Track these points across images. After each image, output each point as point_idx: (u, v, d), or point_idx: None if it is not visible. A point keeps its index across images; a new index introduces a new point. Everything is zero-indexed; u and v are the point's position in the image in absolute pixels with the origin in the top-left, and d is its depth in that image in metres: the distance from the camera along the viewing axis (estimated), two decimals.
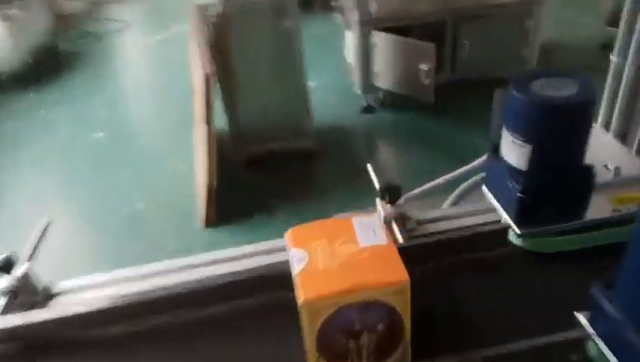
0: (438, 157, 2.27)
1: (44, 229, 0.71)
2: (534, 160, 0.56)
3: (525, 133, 0.55)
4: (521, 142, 0.56)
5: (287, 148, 2.28)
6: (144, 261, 1.87)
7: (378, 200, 0.68)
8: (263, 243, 0.71)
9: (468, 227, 0.67)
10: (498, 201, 0.64)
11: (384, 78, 2.54)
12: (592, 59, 2.92)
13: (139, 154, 2.52)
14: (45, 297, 0.65)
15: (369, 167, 0.75)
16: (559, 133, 0.55)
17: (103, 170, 2.42)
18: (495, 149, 0.63)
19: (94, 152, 2.57)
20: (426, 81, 2.34)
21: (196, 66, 2.04)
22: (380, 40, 2.42)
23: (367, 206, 1.93)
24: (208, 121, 1.94)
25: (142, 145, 2.61)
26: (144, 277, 0.68)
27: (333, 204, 2.06)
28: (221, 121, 2.22)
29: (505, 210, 0.62)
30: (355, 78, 2.61)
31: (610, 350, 0.46)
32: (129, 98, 3.21)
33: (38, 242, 0.69)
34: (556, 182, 0.57)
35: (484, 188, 0.68)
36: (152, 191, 2.23)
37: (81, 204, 2.24)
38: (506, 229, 0.62)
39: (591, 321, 0.49)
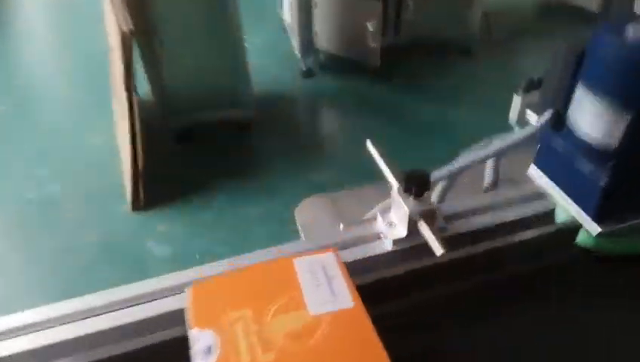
0: (388, 125, 2.12)
1: None
2: (631, 134, 0.41)
3: (624, 96, 0.40)
4: (613, 110, 0.41)
5: (223, 118, 2.03)
6: (60, 256, 1.60)
7: (397, 194, 0.50)
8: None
9: (513, 223, 0.51)
10: (563, 188, 0.48)
11: (326, 39, 2.34)
12: (530, 24, 2.92)
13: (47, 127, 2.15)
14: None
15: (370, 146, 0.57)
16: None
17: (4, 146, 2.04)
18: (557, 119, 0.47)
19: None
20: (373, 44, 2.18)
21: (111, 22, 1.72)
22: None
23: (319, 183, 1.72)
24: (129, 87, 1.64)
25: (50, 117, 2.24)
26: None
27: (280, 181, 1.87)
28: (145, 87, 1.93)
29: (575, 200, 0.47)
30: (294, 39, 2.39)
31: None
32: (33, 61, 2.76)
33: None
34: None
35: (532, 168, 0.53)
36: (66, 170, 1.91)
37: None
38: (570, 227, 0.48)
39: None
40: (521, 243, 0.48)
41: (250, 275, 0.36)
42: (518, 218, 0.52)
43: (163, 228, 1.69)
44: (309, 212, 0.88)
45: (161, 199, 1.77)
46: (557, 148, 0.48)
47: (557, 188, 0.49)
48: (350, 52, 2.32)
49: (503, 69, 2.52)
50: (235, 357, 0.30)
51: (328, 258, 0.37)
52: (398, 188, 0.50)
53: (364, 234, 0.53)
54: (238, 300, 0.34)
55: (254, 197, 1.78)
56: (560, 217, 0.51)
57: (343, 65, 2.40)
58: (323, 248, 0.41)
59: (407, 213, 0.49)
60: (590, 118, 0.43)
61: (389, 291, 0.47)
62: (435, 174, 0.57)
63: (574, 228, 0.48)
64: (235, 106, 2.01)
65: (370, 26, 2.12)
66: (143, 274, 1.59)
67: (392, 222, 0.52)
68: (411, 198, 0.50)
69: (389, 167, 0.55)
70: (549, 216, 0.51)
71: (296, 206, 1.77)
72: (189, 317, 0.34)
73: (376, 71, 2.30)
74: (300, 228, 0.88)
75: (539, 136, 0.50)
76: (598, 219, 0.45)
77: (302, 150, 2.02)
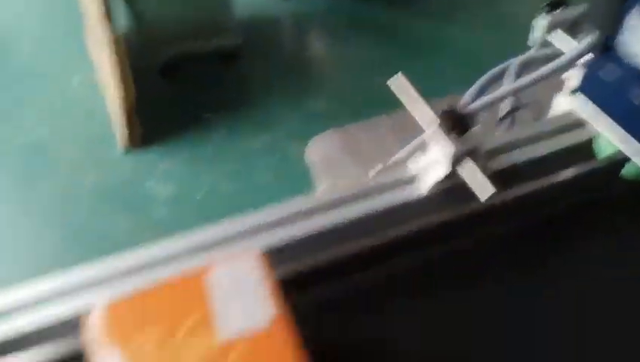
0: (388, 48, 2.04)
1: None
2: None
3: None
4: None
5: (209, 48, 1.93)
6: (58, 203, 1.57)
7: (436, 131, 0.48)
8: None
9: (554, 156, 0.50)
10: (614, 117, 0.46)
11: None
12: None
13: (26, 70, 2.03)
14: None
15: (397, 79, 0.54)
16: None
17: None
18: (606, 44, 0.44)
19: None
20: None
21: None
22: None
23: (318, 111, 1.66)
24: (108, 16, 1.54)
25: (28, 59, 2.11)
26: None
27: (277, 111, 1.82)
28: (122, 20, 1.81)
29: (626, 130, 0.45)
30: None
31: None
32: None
33: None
34: None
35: (567, 97, 0.51)
36: (52, 113, 1.83)
37: None
38: (615, 161, 0.47)
39: None
40: (565, 178, 0.47)
41: (162, 291, 0.32)
42: (556, 151, 0.51)
43: (164, 166, 1.66)
44: (321, 150, 0.86)
45: (157, 137, 1.72)
46: (603, 76, 0.46)
47: (603, 118, 0.47)
48: None
49: None
50: None
51: (249, 264, 0.33)
52: (439, 125, 0.48)
53: (396, 178, 0.51)
54: (151, 315, 0.31)
55: (253, 129, 1.74)
56: (602, 150, 0.50)
57: None
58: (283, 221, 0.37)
59: (451, 153, 0.47)
60: None
61: (431, 238, 0.46)
62: (471, 107, 0.54)
63: (620, 161, 0.47)
64: (220, 35, 1.91)
65: None
66: (148, 217, 1.59)
67: (427, 162, 0.50)
68: (453, 136, 0.48)
69: (424, 102, 0.52)
70: (588, 148, 0.50)
71: (299, 138, 1.75)
72: (98, 335, 0.31)
73: None
74: (313, 170, 0.86)
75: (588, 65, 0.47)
76: None
77: (295, 77, 1.95)
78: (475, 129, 0.47)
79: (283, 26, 2.24)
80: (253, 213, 0.43)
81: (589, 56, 0.47)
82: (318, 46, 2.22)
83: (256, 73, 1.99)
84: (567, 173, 0.48)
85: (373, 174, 0.53)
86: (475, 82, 0.73)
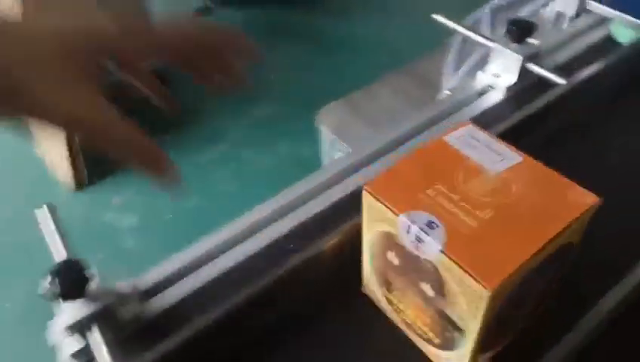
0: (309, 48, 2.11)
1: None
2: None
3: None
4: None
5: None
6: (23, 253, 1.42)
7: (503, 43, 0.53)
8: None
9: (590, 50, 0.58)
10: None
11: None
12: None
13: None
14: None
15: (442, 18, 0.59)
16: None
17: None
18: None
19: None
20: None
21: None
22: None
23: (263, 116, 1.68)
24: None
25: None
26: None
27: (221, 123, 1.80)
28: None
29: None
30: None
31: None
32: None
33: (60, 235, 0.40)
34: None
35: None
36: None
37: None
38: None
39: None
40: (599, 68, 0.55)
41: (414, 161, 0.34)
42: (588, 46, 0.59)
43: (119, 198, 1.57)
44: (333, 118, 0.89)
45: (105, 171, 1.63)
46: None
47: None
48: None
49: None
50: (459, 220, 0.30)
51: (471, 129, 0.36)
52: (505, 35, 0.54)
53: (469, 93, 0.56)
54: (420, 183, 0.32)
55: (203, 144, 1.72)
56: (622, 38, 0.59)
57: None
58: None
59: (520, 58, 0.53)
60: None
61: (528, 133, 0.51)
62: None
63: None
64: None
65: None
66: (117, 248, 1.50)
67: (495, 73, 0.56)
68: (516, 44, 0.54)
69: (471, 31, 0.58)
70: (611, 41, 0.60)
71: (250, 145, 1.73)
72: (385, 205, 0.31)
73: None
74: (326, 136, 0.89)
75: None
76: None
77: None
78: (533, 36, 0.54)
79: None
80: None
81: None
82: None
83: (192, 90, 1.95)
84: (602, 62, 0.57)
85: (442, 95, 0.57)
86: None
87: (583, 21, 0.63)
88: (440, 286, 0.30)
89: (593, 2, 0.60)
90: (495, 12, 0.92)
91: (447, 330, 0.32)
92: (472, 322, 0.29)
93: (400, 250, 0.32)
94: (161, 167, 0.30)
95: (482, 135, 0.36)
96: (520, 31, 0.53)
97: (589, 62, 0.55)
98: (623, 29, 0.58)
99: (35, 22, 0.28)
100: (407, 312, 0.36)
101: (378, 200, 0.32)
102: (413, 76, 0.84)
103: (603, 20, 0.63)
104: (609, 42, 0.60)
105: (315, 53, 2.10)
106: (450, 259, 0.28)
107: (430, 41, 2.05)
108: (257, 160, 1.71)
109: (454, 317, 0.31)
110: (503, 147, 0.35)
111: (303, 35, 2.20)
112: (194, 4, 2.26)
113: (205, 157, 1.70)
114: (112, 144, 0.29)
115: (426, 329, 0.35)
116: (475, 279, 0.27)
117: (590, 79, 0.54)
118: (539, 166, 0.33)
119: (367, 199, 0.33)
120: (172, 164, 0.30)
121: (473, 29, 0.59)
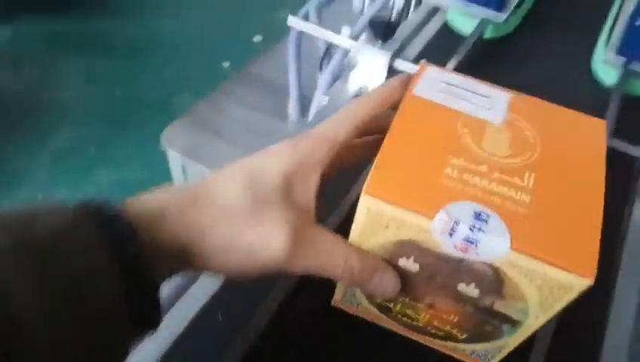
0: (113, 58, 1.88)
1: None
2: None
3: None
4: None
5: None
6: None
7: (363, 46, 0.53)
8: None
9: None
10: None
11: None
12: None
13: None
14: None
15: (298, 24, 0.56)
16: None
17: None
18: None
19: None
20: None
21: None
22: None
23: (61, 147, 1.51)
24: None
25: None
26: None
27: (17, 161, 1.52)
28: None
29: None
30: None
31: None
32: None
33: None
34: None
35: None
36: None
37: None
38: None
39: None
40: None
41: (400, 138, 0.26)
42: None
43: None
44: (181, 137, 0.81)
45: None
46: None
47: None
48: None
49: None
50: (508, 199, 0.24)
51: (435, 71, 0.30)
52: (370, 35, 0.54)
53: (347, 96, 0.55)
54: (431, 164, 0.25)
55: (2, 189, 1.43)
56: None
57: (10, 7, 1.96)
58: None
59: (388, 55, 0.54)
60: None
61: None
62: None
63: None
64: None
65: None
66: None
67: (361, 77, 0.56)
68: (380, 43, 0.55)
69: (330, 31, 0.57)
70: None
71: (54, 181, 1.50)
72: (409, 208, 0.24)
73: (55, 3, 1.96)
74: (179, 159, 0.81)
75: None
76: (498, 8, 0.60)
77: (22, 120, 1.65)
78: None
79: None
80: None
81: None
82: (21, 78, 1.88)
83: None
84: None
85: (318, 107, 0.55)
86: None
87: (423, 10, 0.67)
88: (493, 285, 0.25)
89: None
90: (319, 7, 0.94)
91: (489, 324, 0.28)
92: (542, 313, 0.26)
93: (425, 255, 0.25)
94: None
95: (452, 76, 0.29)
96: (384, 30, 0.54)
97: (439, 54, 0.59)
98: (459, 17, 0.64)
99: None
100: (417, 316, 0.30)
101: (393, 204, 0.24)
102: (254, 82, 0.80)
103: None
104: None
105: (118, 62, 1.90)
106: (525, 254, 0.23)
107: (236, 33, 2.03)
108: (66, 193, 1.48)
109: (509, 312, 0.26)
110: (482, 85, 0.29)
111: (89, 44, 1.96)
112: None
113: (9, 200, 1.42)
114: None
115: (447, 327, 0.30)
116: (568, 271, 0.22)
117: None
118: (532, 100, 0.29)
119: (373, 206, 0.24)
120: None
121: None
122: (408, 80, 0.30)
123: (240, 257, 0.25)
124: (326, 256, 0.26)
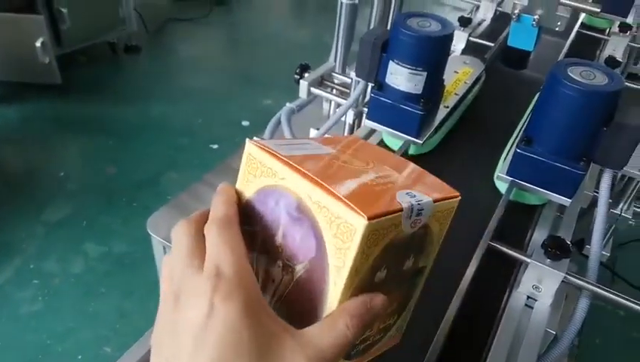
0: (106, 138, 2.06)
1: None
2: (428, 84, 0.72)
3: (420, 63, 0.70)
4: (415, 72, 0.71)
5: None
6: None
7: None
8: None
9: None
10: (391, 126, 0.77)
11: None
12: (175, 12, 3.13)
13: None
14: None
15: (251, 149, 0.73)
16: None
17: None
18: (378, 85, 0.75)
19: None
20: (46, 60, 2.02)
21: None
22: None
23: (57, 220, 1.69)
24: None
25: None
26: None
27: (15, 235, 1.63)
28: None
29: (401, 130, 0.76)
30: None
31: None
32: None
33: None
34: None
35: (366, 121, 0.80)
36: None
37: None
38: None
39: None
40: None
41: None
42: None
43: None
44: (164, 225, 0.94)
45: None
46: (384, 102, 0.76)
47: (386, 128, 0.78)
48: (22, 75, 2.10)
49: (167, 58, 2.73)
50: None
51: (260, 142, 0.32)
52: None
53: None
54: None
55: None
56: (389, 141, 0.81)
57: (18, 90, 2.15)
58: None
59: None
60: (402, 78, 0.73)
61: None
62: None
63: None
64: None
65: (38, 43, 1.96)
66: None
67: None
68: None
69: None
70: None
71: (50, 255, 1.60)
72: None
73: (57, 87, 2.16)
74: (163, 243, 0.93)
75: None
76: (417, 135, 0.76)
77: (20, 193, 1.79)
78: None
79: None
80: None
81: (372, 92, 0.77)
82: (24, 158, 2.03)
83: None
84: None
85: None
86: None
87: (361, 133, 0.84)
88: (420, 245, 0.32)
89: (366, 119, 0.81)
90: (289, 115, 1.11)
91: (413, 286, 0.34)
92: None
93: (392, 257, 0.30)
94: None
95: (277, 140, 0.33)
96: None
97: None
98: (390, 137, 0.81)
99: None
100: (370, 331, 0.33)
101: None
102: (233, 173, 0.96)
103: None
104: None
105: (110, 141, 2.07)
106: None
107: (225, 118, 2.20)
108: (63, 270, 1.57)
109: (427, 261, 0.34)
110: (300, 138, 0.35)
111: (86, 125, 2.14)
112: None
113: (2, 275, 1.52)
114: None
115: (388, 321, 0.34)
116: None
117: None
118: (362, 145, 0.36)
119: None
120: None
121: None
122: (229, 189, 0.33)
123: None
124: (330, 334, 0.27)
